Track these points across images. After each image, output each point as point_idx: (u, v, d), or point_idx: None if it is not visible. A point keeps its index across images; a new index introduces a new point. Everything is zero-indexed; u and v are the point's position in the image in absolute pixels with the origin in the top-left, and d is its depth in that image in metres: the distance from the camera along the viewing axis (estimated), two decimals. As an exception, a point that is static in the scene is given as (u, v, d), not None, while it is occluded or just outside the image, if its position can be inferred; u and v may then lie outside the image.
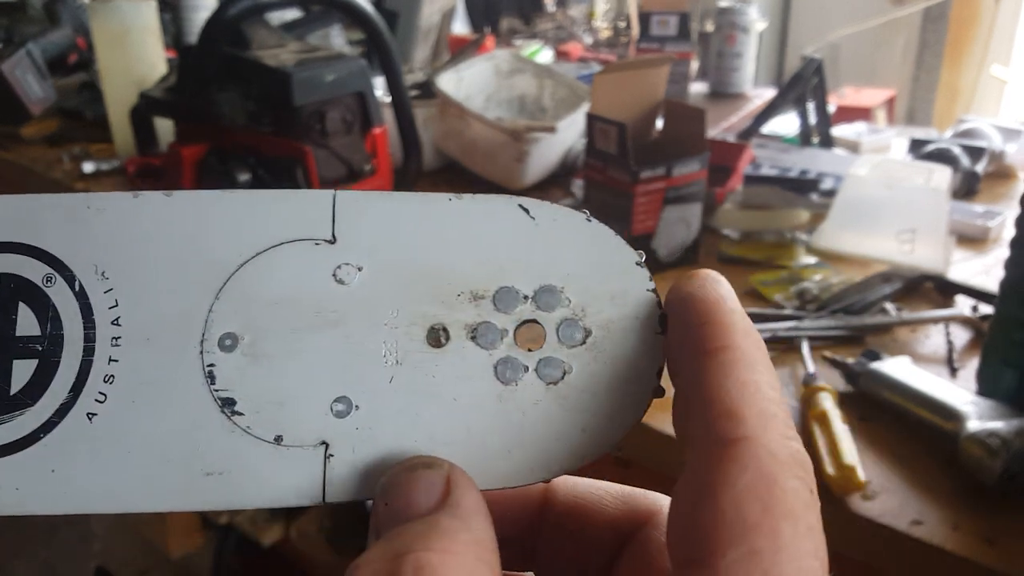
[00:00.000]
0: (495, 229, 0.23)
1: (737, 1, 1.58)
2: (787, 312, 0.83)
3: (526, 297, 0.23)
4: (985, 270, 0.93)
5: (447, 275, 0.23)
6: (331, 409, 0.22)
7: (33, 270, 0.23)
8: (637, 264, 0.23)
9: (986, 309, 0.80)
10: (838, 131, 1.32)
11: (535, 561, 0.25)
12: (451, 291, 0.22)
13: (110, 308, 0.22)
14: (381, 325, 0.22)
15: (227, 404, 0.22)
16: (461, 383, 0.22)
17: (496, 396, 0.22)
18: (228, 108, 0.99)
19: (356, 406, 0.22)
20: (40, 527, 1.37)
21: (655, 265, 0.94)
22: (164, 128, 1.22)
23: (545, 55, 1.72)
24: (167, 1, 1.60)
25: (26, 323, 0.22)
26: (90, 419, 0.22)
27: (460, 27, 2.06)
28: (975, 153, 1.16)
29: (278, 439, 0.22)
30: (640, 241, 0.91)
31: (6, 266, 0.23)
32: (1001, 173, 1.22)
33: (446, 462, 0.21)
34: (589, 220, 0.23)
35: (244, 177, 1.00)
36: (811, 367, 0.73)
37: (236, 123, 1.00)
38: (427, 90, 1.28)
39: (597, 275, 0.23)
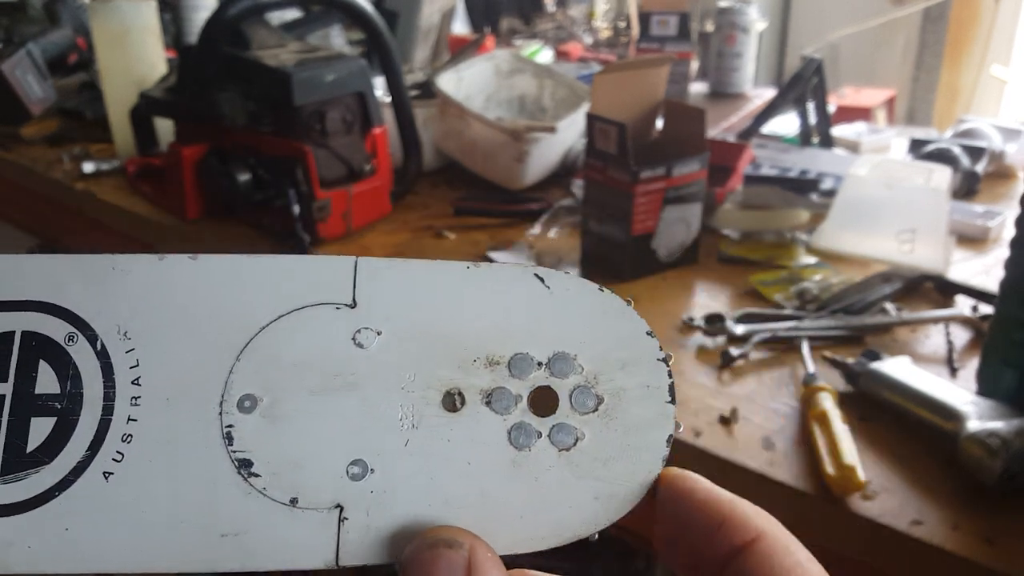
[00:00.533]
0: (511, 297, 0.23)
1: (737, 1, 1.58)
2: (787, 312, 0.83)
3: (540, 364, 0.23)
4: (985, 270, 0.94)
5: (464, 340, 0.23)
6: (347, 472, 0.22)
7: (55, 328, 0.23)
8: (648, 334, 0.23)
9: (986, 309, 0.80)
10: (838, 131, 1.32)
11: None
12: (467, 356, 0.23)
13: (131, 368, 0.23)
14: (398, 389, 0.23)
15: (244, 465, 0.22)
16: (475, 447, 0.23)
17: (510, 461, 0.23)
18: (228, 108, 0.99)
19: (371, 469, 0.22)
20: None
21: (655, 265, 0.94)
22: (164, 128, 1.22)
23: (545, 55, 1.72)
24: (167, 1, 1.61)
25: (46, 381, 0.23)
26: (106, 478, 0.22)
27: (460, 27, 2.06)
28: (975, 153, 1.16)
29: (293, 501, 0.22)
30: (640, 241, 0.91)
31: (28, 324, 0.23)
32: (1001, 173, 1.22)
33: (467, 538, 0.21)
34: (601, 290, 0.24)
35: (244, 177, 1.00)
36: (811, 367, 0.73)
37: (236, 123, 1.00)
38: (427, 90, 1.28)
39: (609, 343, 0.23)
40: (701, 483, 0.22)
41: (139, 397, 0.22)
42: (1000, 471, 0.57)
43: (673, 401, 0.23)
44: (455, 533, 0.21)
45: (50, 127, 1.45)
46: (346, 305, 0.23)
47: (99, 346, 0.23)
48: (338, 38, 1.53)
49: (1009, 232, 0.68)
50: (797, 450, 0.64)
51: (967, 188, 1.13)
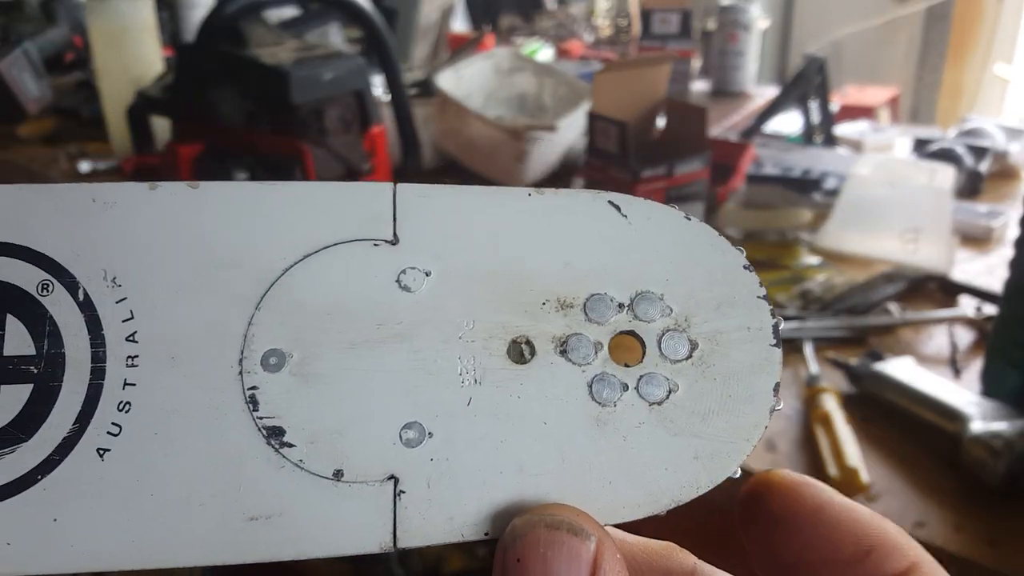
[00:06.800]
0: (582, 228, 0.20)
1: (739, -1, 1.57)
2: (790, 313, 0.83)
3: (621, 305, 0.20)
4: (989, 270, 0.93)
5: (529, 280, 0.20)
6: (400, 437, 0.19)
7: (24, 276, 0.19)
8: (745, 268, 0.20)
9: (990, 309, 0.80)
10: (841, 130, 1.32)
11: None
12: (535, 299, 0.20)
13: (124, 321, 0.19)
14: (455, 338, 0.19)
15: (274, 434, 0.19)
16: (551, 404, 0.19)
17: (593, 419, 0.19)
18: (226, 107, 0.98)
19: (429, 433, 0.19)
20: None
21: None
22: (161, 127, 1.22)
23: (545, 53, 1.72)
24: (164, -1, 1.61)
25: (16, 340, 0.18)
26: (101, 455, 0.18)
27: (460, 25, 2.06)
28: (979, 152, 1.15)
29: (337, 474, 0.19)
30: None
31: None
32: (1005, 173, 1.21)
33: (595, 529, 0.18)
34: (688, 219, 0.21)
35: (242, 176, 1.00)
36: (814, 368, 0.73)
37: (234, 122, 1.00)
38: (426, 88, 1.28)
39: (700, 280, 0.20)
40: (833, 496, 0.19)
41: (136, 356, 0.18)
42: (1003, 472, 0.57)
43: (778, 344, 0.20)
44: (580, 518, 0.18)
45: (46, 126, 1.45)
46: (386, 241, 0.19)
47: (81, 295, 0.18)
48: (336, 36, 1.52)
49: (1013, 232, 0.68)
50: (800, 452, 0.64)
51: (971, 188, 1.12)
